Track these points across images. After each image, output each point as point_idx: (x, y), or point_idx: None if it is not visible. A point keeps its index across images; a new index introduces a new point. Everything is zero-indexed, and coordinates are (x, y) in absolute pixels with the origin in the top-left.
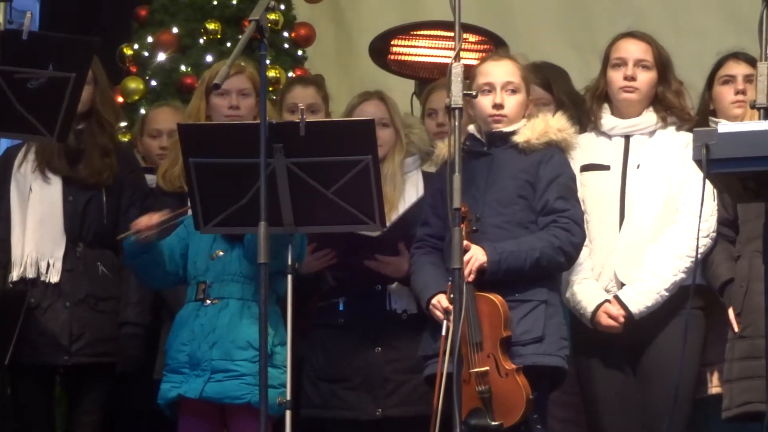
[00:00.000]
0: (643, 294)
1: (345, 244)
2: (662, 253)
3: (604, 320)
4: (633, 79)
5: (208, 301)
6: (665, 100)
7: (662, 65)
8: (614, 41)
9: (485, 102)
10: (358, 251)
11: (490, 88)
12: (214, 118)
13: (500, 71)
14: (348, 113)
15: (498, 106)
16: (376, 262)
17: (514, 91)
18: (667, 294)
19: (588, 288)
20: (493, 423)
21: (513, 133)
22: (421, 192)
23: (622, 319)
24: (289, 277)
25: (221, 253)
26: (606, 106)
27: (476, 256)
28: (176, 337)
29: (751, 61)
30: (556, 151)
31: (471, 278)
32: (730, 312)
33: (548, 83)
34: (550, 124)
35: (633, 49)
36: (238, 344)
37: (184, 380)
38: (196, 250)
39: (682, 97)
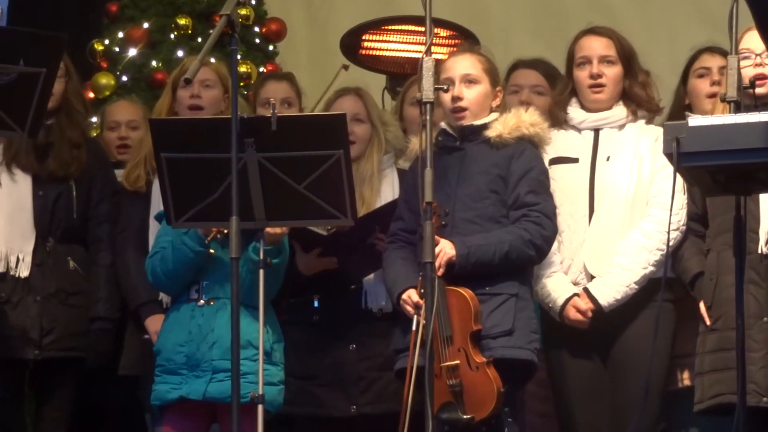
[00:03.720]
0: (613, 287)
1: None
2: (632, 246)
3: (573, 314)
4: (599, 76)
5: (202, 301)
6: (632, 93)
7: (626, 58)
8: (576, 39)
9: (446, 97)
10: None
11: (451, 83)
12: (180, 112)
13: (458, 65)
14: (325, 109)
15: (455, 99)
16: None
17: (472, 83)
18: (636, 287)
19: (557, 281)
20: (465, 417)
21: (485, 127)
22: (396, 189)
23: (590, 314)
24: (261, 271)
25: (212, 251)
26: (575, 99)
27: (445, 250)
28: (171, 338)
29: (725, 55)
30: (528, 145)
31: (440, 272)
32: (701, 305)
33: (553, 76)
34: (523, 119)
35: (596, 46)
36: (231, 343)
37: (184, 381)
38: None
39: (649, 88)
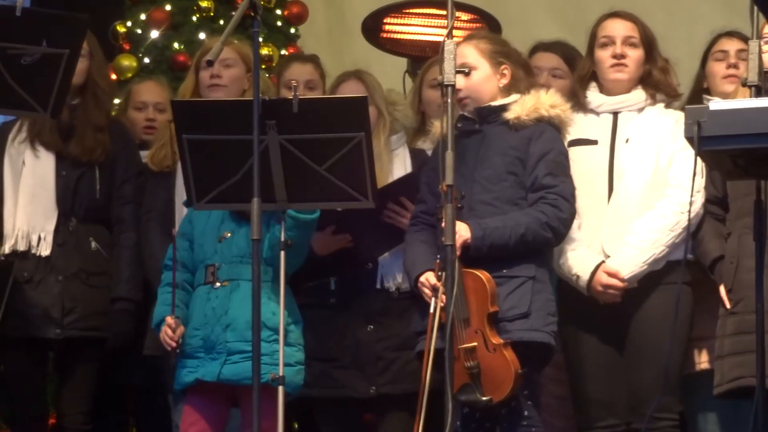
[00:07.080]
0: (627, 264)
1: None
2: (646, 227)
3: (605, 279)
4: (623, 56)
5: (218, 284)
6: (652, 77)
7: (648, 43)
8: (600, 21)
9: None
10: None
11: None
12: (202, 93)
13: (460, 55)
14: (329, 94)
15: (456, 90)
16: (393, 213)
17: (468, 71)
18: (646, 267)
19: (581, 254)
20: (483, 398)
21: (504, 108)
22: (409, 168)
23: (620, 284)
24: (282, 253)
25: (228, 235)
26: (594, 84)
27: (460, 232)
28: (187, 322)
29: (745, 39)
30: (547, 127)
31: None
32: (722, 289)
33: (572, 58)
34: (542, 100)
35: (620, 28)
36: (252, 325)
37: (200, 364)
38: (202, 233)
39: (668, 74)
